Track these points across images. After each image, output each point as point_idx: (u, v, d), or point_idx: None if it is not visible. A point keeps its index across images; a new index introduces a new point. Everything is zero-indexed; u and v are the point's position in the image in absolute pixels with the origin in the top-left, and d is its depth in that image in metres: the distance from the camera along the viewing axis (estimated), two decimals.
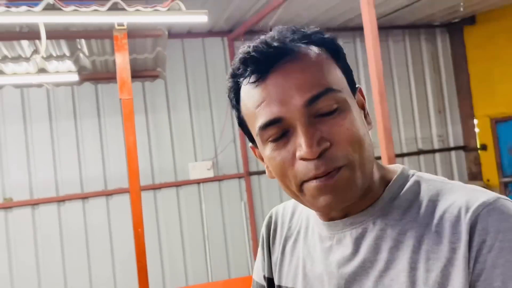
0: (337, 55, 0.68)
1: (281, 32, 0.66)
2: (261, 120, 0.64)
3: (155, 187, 4.79)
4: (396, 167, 0.74)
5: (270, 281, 0.83)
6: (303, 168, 0.63)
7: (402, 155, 5.57)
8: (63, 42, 2.67)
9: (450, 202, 0.64)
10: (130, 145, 2.16)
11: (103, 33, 2.32)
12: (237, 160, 5.05)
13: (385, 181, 0.71)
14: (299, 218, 0.81)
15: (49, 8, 1.83)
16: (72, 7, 1.91)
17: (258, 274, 0.87)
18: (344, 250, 0.70)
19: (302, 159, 0.62)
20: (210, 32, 5.03)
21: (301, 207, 0.82)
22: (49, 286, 4.44)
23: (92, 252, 4.56)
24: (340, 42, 0.71)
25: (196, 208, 4.89)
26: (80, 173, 4.61)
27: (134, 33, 2.50)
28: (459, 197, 0.64)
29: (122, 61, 2.16)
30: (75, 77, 2.97)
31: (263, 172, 5.09)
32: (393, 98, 5.60)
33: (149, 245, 4.64)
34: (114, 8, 1.92)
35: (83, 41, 2.68)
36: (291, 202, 0.85)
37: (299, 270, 0.77)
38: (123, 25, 1.98)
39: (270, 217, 0.86)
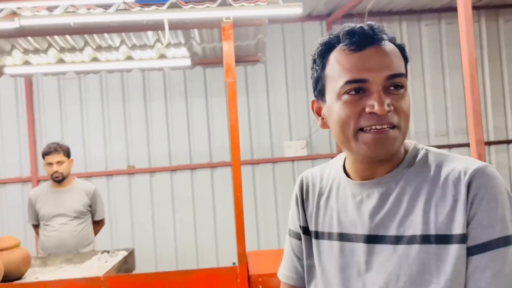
0: (406, 58, 0.93)
1: (379, 26, 0.91)
2: (350, 76, 0.87)
3: (253, 162, 5.21)
4: (410, 143, 0.97)
5: (304, 229, 1.07)
6: (368, 119, 0.86)
7: (488, 143, 5.27)
8: (179, 32, 3.12)
9: (452, 167, 0.88)
10: (233, 123, 2.52)
11: (213, 24, 2.67)
12: (331, 141, 5.25)
13: (404, 150, 0.95)
14: (327, 180, 1.05)
15: (172, 6, 2.24)
16: (190, 5, 2.31)
17: (294, 224, 1.10)
18: (373, 202, 0.92)
19: (372, 113, 0.85)
20: (309, 16, 5.23)
21: (328, 172, 1.07)
22: (162, 240, 5.15)
23: (198, 214, 5.16)
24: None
25: (289, 183, 5.22)
26: (189, 146, 5.20)
27: (238, 23, 2.85)
28: (459, 164, 0.88)
29: (228, 48, 2.51)
30: (188, 62, 3.43)
31: None
32: (482, 83, 5.29)
33: (247, 213, 5.15)
34: (223, 4, 2.26)
35: (195, 30, 3.11)
36: (317, 169, 1.10)
37: (334, 218, 0.99)
38: (229, 18, 2.32)
39: (301, 181, 1.11)
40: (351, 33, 0.89)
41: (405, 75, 0.89)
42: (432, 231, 0.84)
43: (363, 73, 0.86)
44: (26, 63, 3.31)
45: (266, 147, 5.25)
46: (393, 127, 0.86)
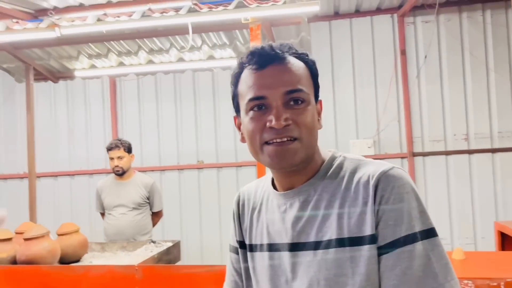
0: (313, 72, 0.98)
1: (282, 45, 0.95)
2: (252, 94, 0.92)
3: None
4: (328, 152, 1.02)
5: (241, 243, 1.11)
6: (269, 133, 0.90)
7: None
8: (223, 33, 3.19)
9: (363, 172, 0.92)
10: None
11: (247, 25, 2.69)
12: (401, 139, 4.94)
13: (321, 160, 0.99)
14: (260, 193, 1.09)
15: (192, 10, 2.31)
16: (221, 8, 2.36)
17: (233, 239, 1.14)
18: (295, 211, 0.96)
19: (271, 127, 0.90)
20: (379, 10, 4.97)
21: (262, 186, 1.10)
22: (227, 230, 5.32)
23: None
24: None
25: None
26: None
27: (276, 23, 2.83)
28: (369, 168, 0.92)
29: None
30: (235, 62, 3.49)
31: (429, 154, 4.86)
32: None
33: None
34: (241, 5, 2.27)
35: (237, 31, 3.15)
36: (254, 183, 1.15)
37: (264, 230, 1.03)
38: (247, 19, 2.32)
39: (238, 196, 1.15)
40: (252, 54, 0.94)
41: (304, 90, 0.91)
42: (345, 234, 0.88)
43: (262, 90, 0.91)
44: (93, 66, 3.65)
45: (330, 145, 5.12)
46: (294, 139, 0.90)
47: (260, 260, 1.03)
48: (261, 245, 1.03)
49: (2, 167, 5.83)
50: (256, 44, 2.48)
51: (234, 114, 1.05)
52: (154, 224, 3.97)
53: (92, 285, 2.68)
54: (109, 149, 3.72)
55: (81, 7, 4.11)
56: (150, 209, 3.88)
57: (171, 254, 3.25)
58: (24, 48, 3.29)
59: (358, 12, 5.02)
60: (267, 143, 0.91)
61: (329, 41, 5.07)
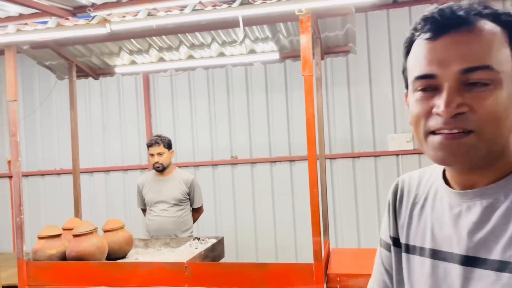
0: None
1: (472, 4, 0.73)
2: (419, 71, 0.75)
3: (353, 156, 5.03)
4: None
5: (395, 240, 0.94)
6: (435, 121, 0.72)
7: None
8: (265, 27, 3.13)
9: None
10: (309, 118, 2.45)
11: (295, 17, 2.63)
12: None
13: None
14: (425, 186, 0.91)
15: (244, 3, 2.25)
16: (260, 0, 2.30)
17: (385, 233, 0.98)
18: (474, 217, 0.76)
19: (437, 114, 0.71)
20: (417, 0, 4.82)
21: (427, 177, 0.92)
22: (262, 227, 5.29)
23: (297, 206, 5.17)
24: None
25: (393, 179, 4.90)
26: (289, 139, 5.23)
27: (323, 14, 2.75)
28: None
29: (305, 41, 2.44)
30: (276, 56, 3.43)
31: None
32: None
33: (345, 208, 5.02)
34: None
35: (281, 24, 3.09)
36: (417, 173, 0.96)
37: (427, 231, 0.85)
38: (301, 11, 2.25)
39: (397, 185, 0.98)
40: (425, 19, 0.75)
41: (493, 68, 0.69)
42: None
43: (431, 67, 0.73)
44: (133, 62, 3.65)
45: (367, 140, 5.01)
46: (468, 132, 0.70)
47: (419, 267, 0.86)
48: (422, 248, 0.86)
49: (40, 164, 5.93)
50: (306, 35, 2.41)
51: (404, 90, 0.87)
52: (194, 220, 3.96)
53: (142, 282, 2.69)
54: (149, 145, 3.72)
55: (118, 3, 4.12)
56: (191, 205, 3.87)
57: (215, 251, 3.24)
58: (68, 45, 3.30)
59: (395, 3, 4.89)
60: (433, 132, 0.73)
61: (366, 31, 4.96)
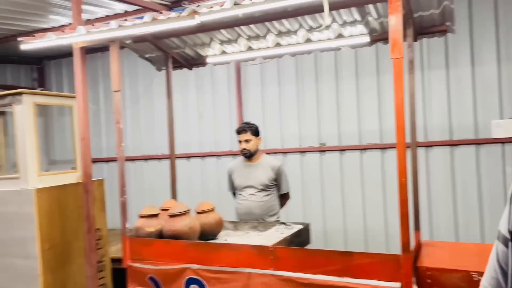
0: None
1: None
2: None
3: (452, 143, 4.69)
4: None
5: None
6: None
7: None
8: (354, 10, 3.04)
9: None
10: (398, 103, 2.34)
11: None
12: None
13: None
14: None
15: None
16: None
17: (504, 226, 0.89)
18: None
19: None
20: None
21: None
22: (351, 215, 5.20)
23: (388, 195, 4.98)
24: None
25: (498, 169, 4.50)
26: (380, 126, 5.03)
27: None
28: None
29: (395, 22, 2.32)
30: (365, 39, 3.31)
31: None
32: None
33: (442, 198, 4.71)
34: None
35: (370, 6, 2.97)
36: None
37: None
38: None
39: None
40: None
41: None
42: None
43: None
44: (223, 52, 3.78)
45: (468, 126, 4.63)
46: None
47: None
48: None
49: (144, 149, 6.44)
50: (395, 16, 2.29)
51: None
52: (281, 206, 4.03)
53: (229, 262, 2.81)
54: (238, 132, 3.85)
55: None
56: (278, 191, 3.94)
57: (301, 237, 3.26)
58: (164, 38, 3.52)
59: None
60: None
61: (468, 8, 4.55)
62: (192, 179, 6.08)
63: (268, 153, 4.25)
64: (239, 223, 3.68)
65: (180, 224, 3.10)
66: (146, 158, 6.42)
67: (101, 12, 4.59)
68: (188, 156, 6.13)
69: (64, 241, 3.67)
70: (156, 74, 4.58)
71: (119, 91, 3.12)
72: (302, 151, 5.49)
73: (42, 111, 6.62)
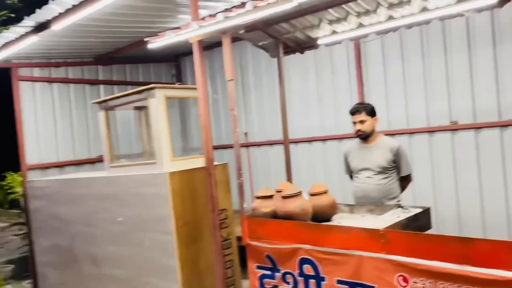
0: None
1: None
2: None
3: None
4: None
5: None
6: None
7: None
8: None
9: None
10: None
11: None
12: None
13: None
14: None
15: None
16: None
17: None
18: None
19: None
20: None
21: None
22: (491, 204, 4.68)
23: None
24: None
25: None
26: None
27: None
28: None
29: None
30: (493, 0, 2.92)
31: None
32: None
33: None
34: None
35: None
36: None
37: None
38: None
39: None
40: None
41: None
42: None
43: None
44: (334, 32, 3.71)
45: None
46: None
47: None
48: None
49: (267, 134, 6.68)
50: None
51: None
52: (402, 189, 3.83)
53: (339, 244, 2.80)
54: (352, 113, 3.75)
55: None
56: (398, 174, 3.75)
57: (419, 221, 3.07)
58: (273, 24, 3.60)
59: None
60: None
61: None
62: (314, 163, 6.12)
63: (392, 134, 4.06)
64: (355, 206, 3.62)
65: (292, 206, 3.18)
66: (270, 144, 6.65)
67: (221, 6, 4.86)
68: (309, 140, 6.18)
69: (195, 219, 4.05)
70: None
71: (232, 80, 3.31)
72: (431, 131, 5.09)
73: (180, 103, 7.37)
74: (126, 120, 6.24)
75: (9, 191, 11.46)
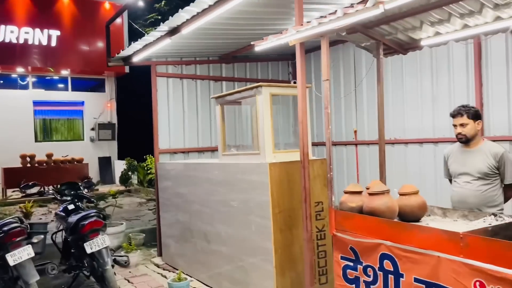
0: None
1: None
2: None
3: None
4: None
5: None
6: None
7: None
8: None
9: None
10: None
11: None
12: None
13: None
14: None
15: None
16: None
17: None
18: None
19: None
20: None
21: None
22: None
23: None
24: None
25: None
26: None
27: None
28: None
29: None
30: None
31: None
32: None
33: None
34: None
35: None
36: None
37: None
38: None
39: None
40: None
41: None
42: None
43: None
44: (437, 34, 3.67)
45: None
46: None
47: None
48: None
49: (367, 134, 6.66)
50: None
51: None
52: (507, 198, 3.63)
53: (420, 244, 2.85)
54: (453, 116, 3.67)
55: None
56: (501, 181, 3.57)
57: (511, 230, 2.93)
58: (374, 27, 3.71)
59: None
60: None
61: None
62: (425, 165, 5.95)
63: (493, 141, 3.84)
64: (449, 210, 3.54)
65: (377, 202, 3.29)
66: (368, 143, 6.63)
67: (331, 9, 5.07)
68: (421, 142, 6.02)
69: (291, 208, 4.38)
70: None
71: (327, 80, 3.53)
72: None
73: (293, 100, 7.74)
74: (243, 114, 6.85)
75: (148, 171, 13.24)
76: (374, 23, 3.63)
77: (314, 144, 6.10)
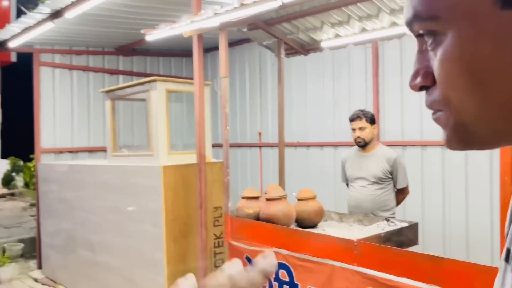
0: None
1: None
2: None
3: None
4: None
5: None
6: None
7: None
8: None
9: None
10: None
11: None
12: None
13: None
14: None
15: None
16: None
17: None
18: None
19: None
20: None
21: None
22: (474, 220, 4.49)
23: None
24: None
25: None
26: None
27: None
28: None
29: None
30: None
31: None
32: None
33: None
34: None
35: None
36: None
37: None
38: None
39: None
40: None
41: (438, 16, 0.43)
42: None
43: None
44: (337, 36, 3.62)
45: None
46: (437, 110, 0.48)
47: None
48: None
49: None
50: None
51: None
52: (399, 202, 3.68)
53: (315, 252, 2.72)
54: (351, 120, 3.64)
55: None
56: (394, 185, 3.61)
57: (403, 236, 2.94)
58: (275, 24, 3.54)
59: None
60: None
61: None
62: (324, 168, 6.00)
63: (387, 145, 3.92)
64: (345, 215, 3.51)
65: (274, 209, 3.12)
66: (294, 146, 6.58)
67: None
68: (321, 145, 6.07)
69: (187, 214, 4.05)
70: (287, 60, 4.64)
71: (226, 77, 3.28)
72: (423, 145, 4.90)
73: (188, 98, 7.43)
74: (137, 111, 6.35)
75: (34, 172, 11.94)
76: (276, 20, 3.46)
77: (218, 146, 5.84)
